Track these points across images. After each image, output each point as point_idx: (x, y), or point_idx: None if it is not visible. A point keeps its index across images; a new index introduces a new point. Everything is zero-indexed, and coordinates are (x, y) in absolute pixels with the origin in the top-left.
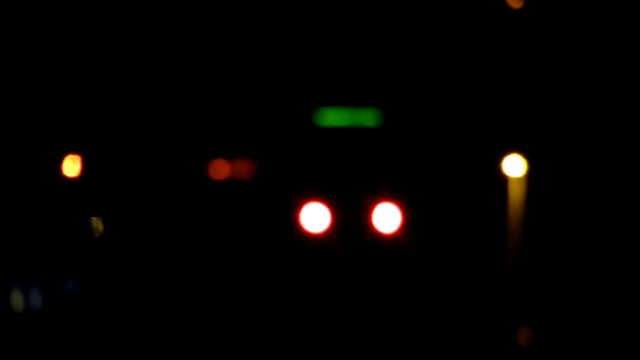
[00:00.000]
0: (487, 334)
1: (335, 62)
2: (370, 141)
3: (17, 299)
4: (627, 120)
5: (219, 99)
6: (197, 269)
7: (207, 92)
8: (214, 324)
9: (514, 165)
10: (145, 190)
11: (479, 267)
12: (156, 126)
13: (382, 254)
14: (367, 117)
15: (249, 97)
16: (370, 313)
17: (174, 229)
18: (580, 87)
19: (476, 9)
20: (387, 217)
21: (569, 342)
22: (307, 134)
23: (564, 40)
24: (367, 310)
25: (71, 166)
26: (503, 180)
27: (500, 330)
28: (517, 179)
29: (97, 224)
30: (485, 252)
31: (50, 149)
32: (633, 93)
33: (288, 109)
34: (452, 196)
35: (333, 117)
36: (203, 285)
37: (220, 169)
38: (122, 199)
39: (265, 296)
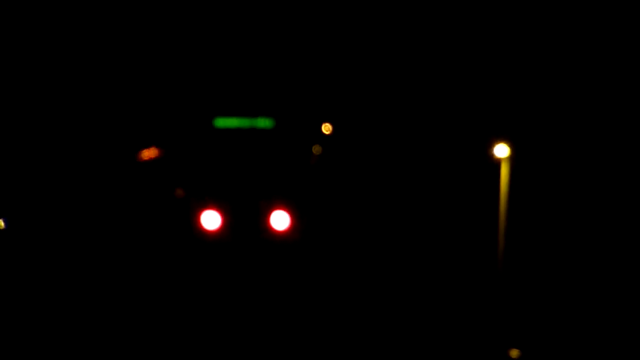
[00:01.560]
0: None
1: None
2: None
3: None
4: (612, 110)
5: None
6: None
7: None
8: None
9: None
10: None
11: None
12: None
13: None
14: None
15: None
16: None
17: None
18: (565, 77)
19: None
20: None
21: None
22: (207, 135)
23: (546, 32)
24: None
25: None
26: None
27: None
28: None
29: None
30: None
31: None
32: (618, 84)
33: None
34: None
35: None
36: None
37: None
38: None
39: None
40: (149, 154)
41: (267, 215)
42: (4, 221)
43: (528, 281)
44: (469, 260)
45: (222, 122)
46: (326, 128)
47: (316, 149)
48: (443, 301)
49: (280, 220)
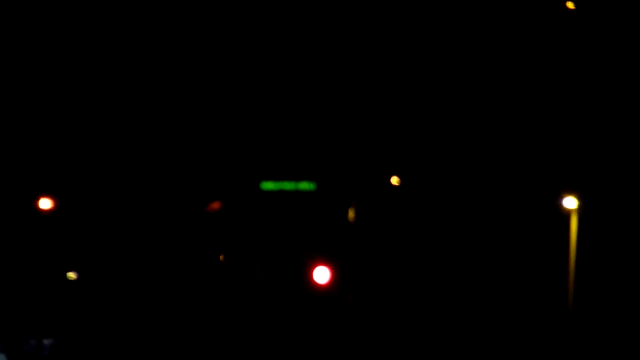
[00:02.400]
0: None
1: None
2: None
3: None
4: None
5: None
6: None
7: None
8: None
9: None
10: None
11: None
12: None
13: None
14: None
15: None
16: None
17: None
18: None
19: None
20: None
21: None
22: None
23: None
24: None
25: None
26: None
27: None
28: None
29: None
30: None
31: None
32: None
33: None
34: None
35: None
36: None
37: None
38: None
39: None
40: (215, 206)
41: (310, 270)
42: (76, 274)
43: (598, 329)
44: (539, 308)
45: (268, 185)
46: (395, 180)
47: (351, 212)
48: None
49: (321, 275)
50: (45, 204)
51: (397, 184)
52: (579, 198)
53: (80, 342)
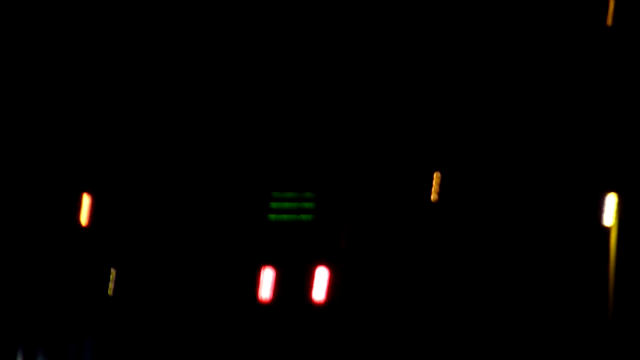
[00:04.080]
0: None
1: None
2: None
3: None
4: None
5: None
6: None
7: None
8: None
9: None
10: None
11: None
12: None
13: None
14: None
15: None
16: None
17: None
18: None
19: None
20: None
21: None
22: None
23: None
24: None
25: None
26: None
27: None
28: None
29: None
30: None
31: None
32: None
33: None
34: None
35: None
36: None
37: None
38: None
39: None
40: None
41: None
42: (117, 273)
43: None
44: (578, 321)
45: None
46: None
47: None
48: None
49: (321, 288)
50: (86, 202)
51: (435, 200)
52: (619, 197)
53: (121, 343)
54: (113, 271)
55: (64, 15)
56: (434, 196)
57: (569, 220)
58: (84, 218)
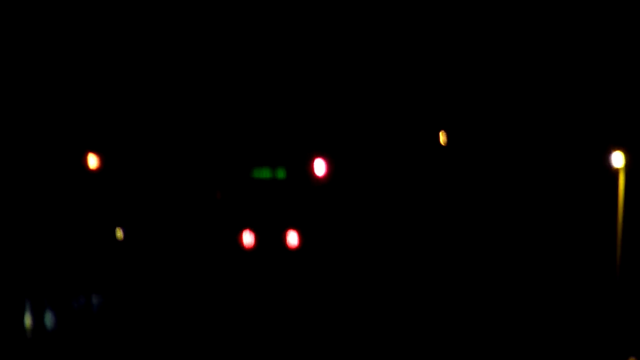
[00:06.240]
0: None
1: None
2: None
3: (28, 317)
4: None
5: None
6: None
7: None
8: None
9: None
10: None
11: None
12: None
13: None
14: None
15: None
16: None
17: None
18: None
19: None
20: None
21: None
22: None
23: None
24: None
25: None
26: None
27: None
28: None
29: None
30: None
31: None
32: None
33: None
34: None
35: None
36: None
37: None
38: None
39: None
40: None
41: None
42: (123, 231)
43: None
44: (586, 268)
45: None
46: (443, 137)
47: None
48: (561, 312)
49: (293, 237)
50: (92, 161)
51: (444, 143)
52: (627, 155)
53: (128, 299)
54: (119, 230)
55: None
56: (443, 138)
57: (577, 165)
58: (91, 171)
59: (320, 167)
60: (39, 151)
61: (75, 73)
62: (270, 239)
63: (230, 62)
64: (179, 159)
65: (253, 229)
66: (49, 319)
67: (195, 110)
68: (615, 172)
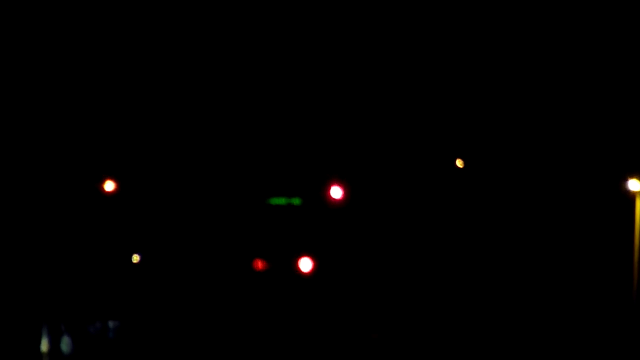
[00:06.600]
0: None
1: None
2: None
3: (45, 342)
4: None
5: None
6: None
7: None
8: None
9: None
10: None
11: None
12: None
13: None
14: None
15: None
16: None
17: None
18: None
19: None
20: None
21: None
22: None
23: None
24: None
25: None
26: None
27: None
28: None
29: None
30: None
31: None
32: None
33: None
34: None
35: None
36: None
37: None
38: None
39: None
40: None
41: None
42: (139, 256)
43: None
44: (604, 291)
45: (273, 201)
46: (460, 163)
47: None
48: (577, 338)
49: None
50: (109, 186)
51: (461, 166)
52: None
53: (144, 324)
54: (136, 256)
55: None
56: (460, 163)
57: (594, 190)
58: (108, 195)
59: (336, 192)
60: (56, 175)
61: (93, 97)
62: (284, 264)
63: (247, 88)
64: (195, 184)
65: (267, 255)
66: (65, 343)
67: (212, 136)
68: (632, 197)
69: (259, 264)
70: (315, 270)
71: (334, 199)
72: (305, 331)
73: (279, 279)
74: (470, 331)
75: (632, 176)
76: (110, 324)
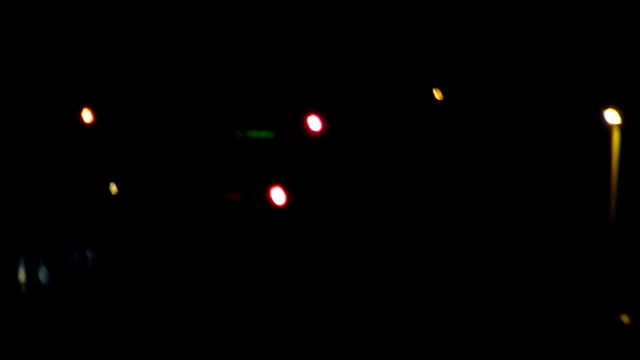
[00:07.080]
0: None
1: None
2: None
3: (22, 272)
4: None
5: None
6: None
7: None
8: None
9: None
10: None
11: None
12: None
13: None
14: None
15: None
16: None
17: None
18: None
19: None
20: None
21: None
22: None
23: None
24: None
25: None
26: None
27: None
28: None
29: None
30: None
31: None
32: None
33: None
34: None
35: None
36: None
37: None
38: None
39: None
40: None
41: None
42: (117, 186)
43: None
44: (580, 228)
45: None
46: (438, 94)
47: None
48: (552, 270)
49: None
50: (86, 116)
51: (439, 97)
52: (621, 112)
53: (123, 255)
54: (113, 185)
55: None
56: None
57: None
58: (86, 125)
59: (314, 124)
60: (32, 106)
61: (70, 29)
62: (256, 196)
63: (220, 23)
64: (171, 114)
65: (240, 187)
66: (43, 274)
67: (187, 68)
68: (610, 130)
69: (232, 196)
70: (289, 203)
71: (312, 131)
72: (275, 265)
73: (252, 210)
74: (446, 275)
75: (608, 107)
76: (89, 254)
